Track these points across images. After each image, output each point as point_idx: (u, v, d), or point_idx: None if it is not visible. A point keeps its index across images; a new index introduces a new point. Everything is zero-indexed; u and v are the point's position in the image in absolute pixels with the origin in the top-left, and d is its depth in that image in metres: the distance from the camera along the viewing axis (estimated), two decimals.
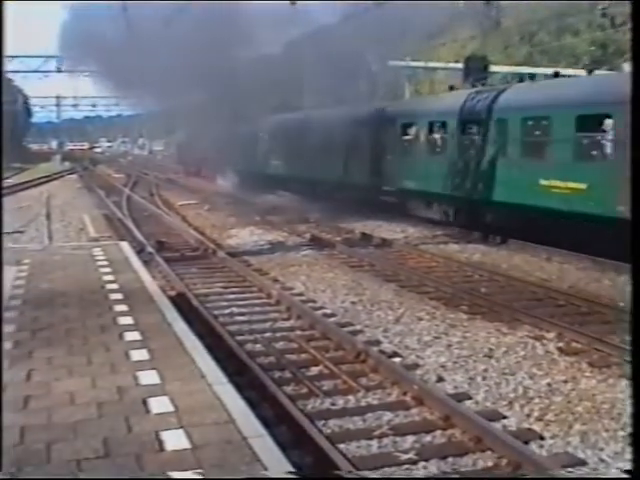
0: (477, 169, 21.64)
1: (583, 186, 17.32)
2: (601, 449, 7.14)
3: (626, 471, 6.43)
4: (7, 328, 8.53)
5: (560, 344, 10.68)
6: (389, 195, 27.17)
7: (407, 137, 25.95)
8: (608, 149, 16.96)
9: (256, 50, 43.56)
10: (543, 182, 18.60)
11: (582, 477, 6.68)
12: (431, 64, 44.11)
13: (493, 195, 20.80)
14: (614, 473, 6.69)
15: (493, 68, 37.58)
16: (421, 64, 44.05)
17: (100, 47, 45.93)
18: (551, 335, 11.07)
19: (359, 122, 28.52)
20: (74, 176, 61.83)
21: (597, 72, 25.75)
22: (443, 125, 24.04)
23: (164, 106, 56.13)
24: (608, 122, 16.78)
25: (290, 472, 4.91)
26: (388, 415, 7.99)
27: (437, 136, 24.39)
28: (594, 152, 17.46)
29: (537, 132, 19.39)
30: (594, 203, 16.78)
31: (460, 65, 38.51)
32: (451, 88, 29.66)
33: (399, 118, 26.88)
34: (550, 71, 31.09)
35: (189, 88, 45.04)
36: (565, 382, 9.07)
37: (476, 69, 35.82)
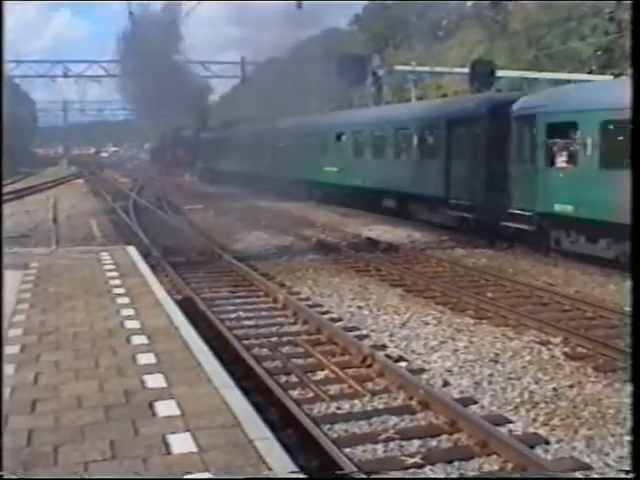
0: (304, 163, 35.01)
1: (336, 169, 32.21)
2: (607, 454, 7.14)
3: (625, 471, 6.44)
4: (14, 332, 8.57)
5: (566, 349, 10.69)
6: (272, 180, 39.56)
7: (281, 144, 39.76)
8: (350, 148, 31.73)
9: None
10: (325, 168, 33.15)
11: (582, 477, 6.68)
12: (437, 68, 44.14)
13: (311, 177, 34.80)
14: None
15: (499, 72, 37.62)
16: (427, 69, 44.09)
17: None
18: (557, 340, 11.08)
19: (269, 133, 41.76)
20: (80, 181, 61.94)
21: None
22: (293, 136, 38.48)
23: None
24: (343, 137, 32.74)
25: (293, 472, 4.93)
26: (394, 419, 8.01)
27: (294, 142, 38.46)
28: (343, 151, 32.44)
29: (321, 141, 34.42)
30: (342, 178, 31.51)
31: (466, 69, 38.56)
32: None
33: (284, 132, 39.73)
34: (556, 76, 31.16)
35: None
36: (571, 387, 9.08)
37: (482, 73, 35.88)
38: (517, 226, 19.43)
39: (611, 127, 16.23)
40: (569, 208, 17.53)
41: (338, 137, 32.91)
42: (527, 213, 18.98)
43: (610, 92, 17.47)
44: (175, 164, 65.42)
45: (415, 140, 25.67)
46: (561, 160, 18.25)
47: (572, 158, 17.79)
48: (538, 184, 18.53)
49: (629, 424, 7.49)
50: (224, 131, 53.38)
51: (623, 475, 6.60)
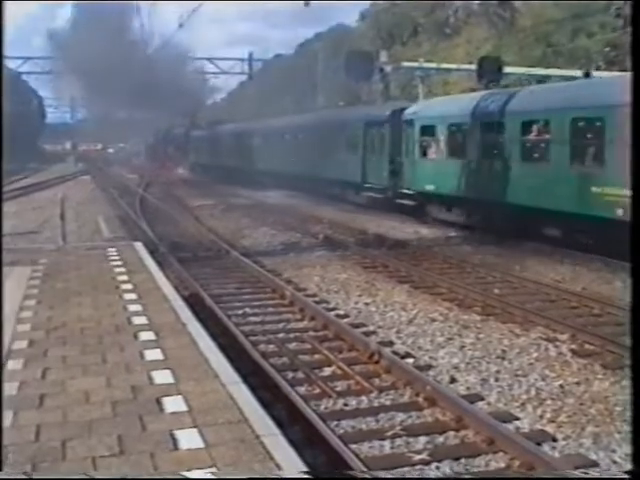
0: (268, 158, 43.02)
1: (292, 161, 38.22)
2: (613, 451, 7.13)
3: (627, 472, 6.43)
4: (22, 327, 8.61)
5: (573, 346, 10.68)
6: (244, 172, 47.81)
7: (250, 142, 47.68)
8: (300, 145, 38.23)
9: None
10: (281, 161, 40.39)
11: (582, 477, 6.68)
12: (444, 65, 44.01)
13: (274, 169, 42.04)
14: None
15: (507, 69, 37.50)
16: (434, 65, 43.97)
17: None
18: (564, 337, 11.07)
19: (237, 134, 51.89)
20: (88, 177, 62.00)
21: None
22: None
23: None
24: (299, 136, 39.29)
25: (303, 472, 4.94)
26: (401, 416, 8.01)
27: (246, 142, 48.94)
28: (294, 147, 39.25)
29: (279, 140, 41.93)
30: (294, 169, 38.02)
31: (474, 66, 38.42)
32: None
33: (254, 132, 47.99)
34: (565, 72, 31.07)
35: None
36: (578, 384, 9.07)
37: (490, 70, 35.77)
38: (405, 202, 26.30)
39: (454, 128, 23.56)
40: (432, 187, 24.38)
41: (294, 136, 40.12)
42: (410, 192, 25.81)
43: (459, 103, 24.71)
44: (168, 159, 71.89)
45: (343, 138, 32.82)
46: (429, 152, 25.18)
47: (435, 151, 24.71)
48: (416, 170, 25.54)
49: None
50: (211, 130, 61.65)
51: (623, 474, 6.61)
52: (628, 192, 11.75)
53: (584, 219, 17.14)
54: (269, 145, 43.46)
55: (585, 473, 6.73)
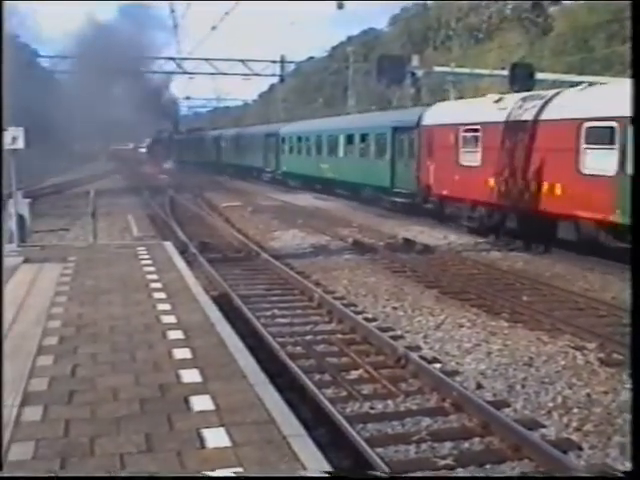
0: (220, 154, 66.43)
1: (233, 155, 62.83)
2: None
3: (627, 472, 6.39)
4: (53, 324, 8.70)
5: (601, 355, 10.61)
6: (211, 164, 68.06)
7: (211, 144, 70.70)
8: (239, 146, 60.89)
9: None
10: (226, 155, 65.31)
11: (582, 477, 6.65)
12: (476, 70, 43.85)
13: (224, 160, 64.51)
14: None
15: (539, 75, 37.33)
16: (466, 70, 43.82)
17: None
18: (592, 345, 11.00)
19: (211, 138, 71.41)
20: (118, 176, 62.42)
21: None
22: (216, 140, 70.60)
23: None
24: (241, 141, 60.60)
25: (327, 471, 4.96)
26: (427, 421, 8.02)
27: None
28: (236, 148, 61.45)
29: (223, 143, 66.66)
30: (232, 160, 62.68)
31: (505, 72, 38.27)
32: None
33: (212, 138, 70.60)
34: (596, 79, 30.83)
35: None
36: (605, 393, 9.01)
37: (522, 76, 35.62)
38: (278, 178, 47.34)
39: (293, 139, 44.34)
40: (287, 168, 45.13)
41: (236, 141, 60.45)
42: (280, 172, 46.72)
43: (295, 127, 46.33)
44: (158, 156, 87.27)
45: (258, 143, 52.30)
46: (284, 151, 45.72)
47: (285, 150, 45.73)
48: (282, 160, 46.40)
49: None
50: (188, 135, 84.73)
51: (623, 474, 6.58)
52: (326, 165, 37.91)
53: (319, 179, 38.84)
54: (223, 146, 65.11)
55: (586, 475, 6.73)
